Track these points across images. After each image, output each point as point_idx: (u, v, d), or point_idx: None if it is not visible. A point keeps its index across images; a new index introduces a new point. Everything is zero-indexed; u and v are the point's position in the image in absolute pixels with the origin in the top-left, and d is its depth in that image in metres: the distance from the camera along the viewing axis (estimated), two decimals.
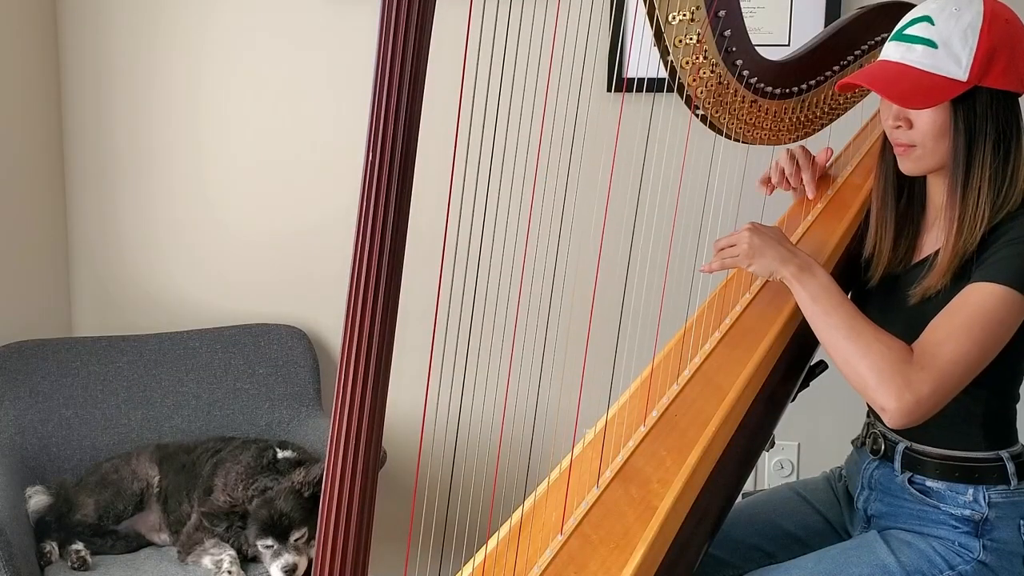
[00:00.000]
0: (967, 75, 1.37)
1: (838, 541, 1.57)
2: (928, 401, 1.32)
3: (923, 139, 1.43)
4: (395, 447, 2.25)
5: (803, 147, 1.75)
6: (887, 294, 1.52)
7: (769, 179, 1.76)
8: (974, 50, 1.36)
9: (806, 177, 1.71)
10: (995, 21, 1.37)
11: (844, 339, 1.38)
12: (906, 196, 1.54)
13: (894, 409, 1.32)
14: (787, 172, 1.72)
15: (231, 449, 2.22)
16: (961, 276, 1.40)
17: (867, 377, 1.34)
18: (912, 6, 1.52)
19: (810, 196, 1.71)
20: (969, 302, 1.34)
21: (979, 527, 1.44)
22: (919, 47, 1.40)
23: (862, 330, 1.38)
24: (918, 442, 1.47)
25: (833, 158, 1.82)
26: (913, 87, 1.39)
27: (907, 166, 1.47)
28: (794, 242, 1.65)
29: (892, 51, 1.43)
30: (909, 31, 1.42)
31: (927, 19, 1.40)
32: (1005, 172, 1.39)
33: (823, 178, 1.79)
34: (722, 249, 1.53)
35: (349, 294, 0.96)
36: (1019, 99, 1.42)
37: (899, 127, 1.44)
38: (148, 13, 2.53)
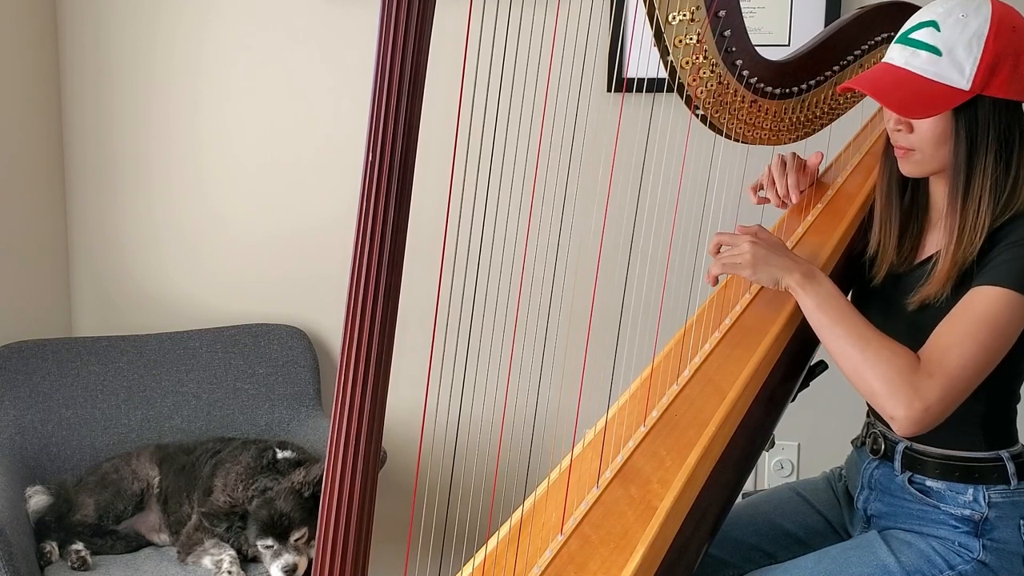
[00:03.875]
0: (970, 84, 1.36)
1: (838, 541, 1.57)
2: (937, 408, 1.32)
3: (923, 144, 1.42)
4: (395, 447, 2.25)
5: (794, 153, 1.75)
6: (889, 295, 1.52)
7: (760, 187, 1.75)
8: (978, 59, 1.35)
9: (791, 181, 1.71)
10: (1002, 29, 1.36)
11: (852, 348, 1.37)
12: (909, 193, 1.53)
13: (903, 418, 1.32)
14: (777, 181, 1.72)
15: (231, 449, 2.22)
16: (960, 284, 1.39)
17: (876, 386, 1.34)
18: (913, 6, 1.52)
19: (794, 200, 1.71)
20: (973, 306, 1.34)
21: (979, 527, 1.44)
22: (924, 53, 1.39)
23: (869, 339, 1.37)
24: (918, 442, 1.47)
25: (833, 158, 1.82)
26: (914, 95, 1.39)
27: (907, 168, 1.47)
28: (793, 243, 1.65)
29: (896, 55, 1.42)
30: (915, 35, 1.41)
31: (933, 24, 1.39)
32: (1006, 182, 1.39)
33: (821, 178, 1.79)
34: (720, 252, 1.52)
35: (349, 293, 0.96)
36: (1022, 105, 1.41)
37: (899, 130, 1.44)
38: (148, 13, 2.53)
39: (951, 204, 1.42)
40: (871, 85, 1.43)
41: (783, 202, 1.74)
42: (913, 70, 1.39)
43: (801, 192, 1.73)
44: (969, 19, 1.36)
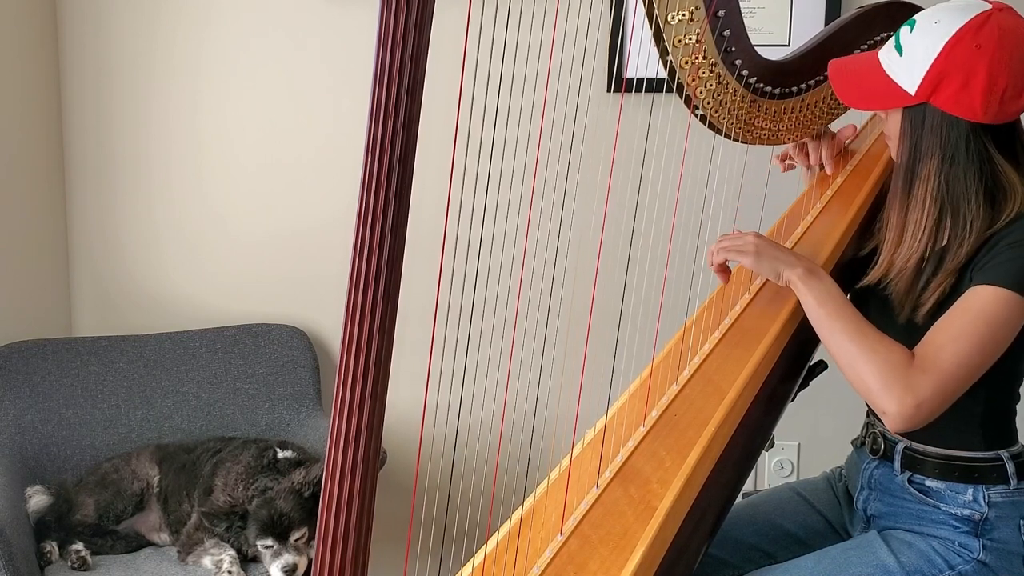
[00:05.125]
0: (915, 90, 1.38)
1: (838, 541, 1.57)
2: (929, 405, 1.32)
3: (889, 133, 1.48)
4: (395, 446, 2.25)
5: (826, 126, 1.76)
6: (882, 295, 1.52)
7: (787, 155, 1.77)
8: (926, 68, 1.37)
9: (825, 153, 1.73)
10: (960, 44, 1.34)
11: (848, 343, 1.38)
12: None
13: (895, 413, 1.33)
14: (811, 154, 1.75)
15: (231, 449, 2.22)
16: (911, 288, 1.42)
17: (869, 381, 1.35)
18: (913, 6, 1.52)
19: (829, 172, 1.73)
20: (970, 305, 1.34)
21: (979, 527, 1.44)
22: (894, 51, 1.42)
23: (866, 334, 1.38)
24: (917, 442, 1.47)
25: (848, 140, 1.82)
26: (865, 86, 1.45)
27: (892, 154, 1.51)
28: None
29: (884, 46, 1.46)
30: (900, 30, 1.44)
31: (911, 24, 1.41)
32: (952, 194, 1.39)
33: (837, 159, 1.79)
34: (725, 245, 1.53)
35: (349, 288, 0.95)
36: (1003, 125, 1.40)
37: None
38: (148, 13, 2.53)
39: (892, 202, 1.46)
40: (838, 66, 1.49)
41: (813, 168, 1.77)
42: (882, 64, 1.44)
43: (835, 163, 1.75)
44: (939, 26, 1.37)
